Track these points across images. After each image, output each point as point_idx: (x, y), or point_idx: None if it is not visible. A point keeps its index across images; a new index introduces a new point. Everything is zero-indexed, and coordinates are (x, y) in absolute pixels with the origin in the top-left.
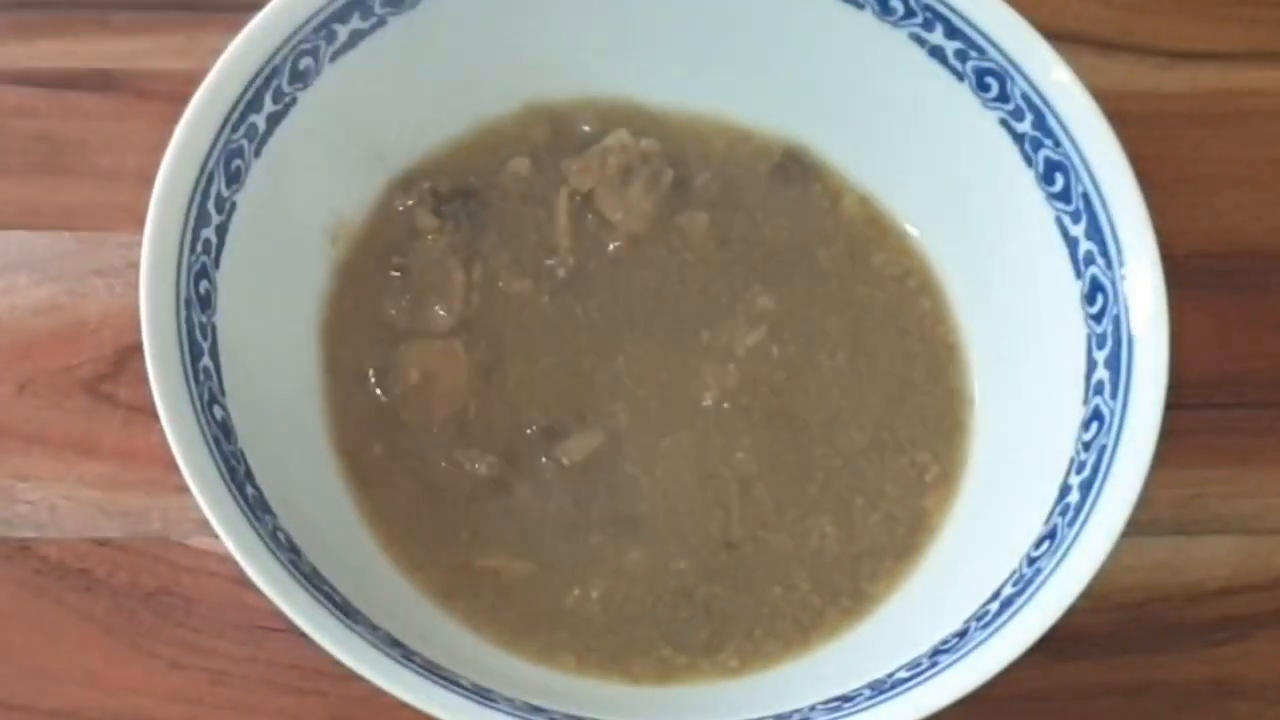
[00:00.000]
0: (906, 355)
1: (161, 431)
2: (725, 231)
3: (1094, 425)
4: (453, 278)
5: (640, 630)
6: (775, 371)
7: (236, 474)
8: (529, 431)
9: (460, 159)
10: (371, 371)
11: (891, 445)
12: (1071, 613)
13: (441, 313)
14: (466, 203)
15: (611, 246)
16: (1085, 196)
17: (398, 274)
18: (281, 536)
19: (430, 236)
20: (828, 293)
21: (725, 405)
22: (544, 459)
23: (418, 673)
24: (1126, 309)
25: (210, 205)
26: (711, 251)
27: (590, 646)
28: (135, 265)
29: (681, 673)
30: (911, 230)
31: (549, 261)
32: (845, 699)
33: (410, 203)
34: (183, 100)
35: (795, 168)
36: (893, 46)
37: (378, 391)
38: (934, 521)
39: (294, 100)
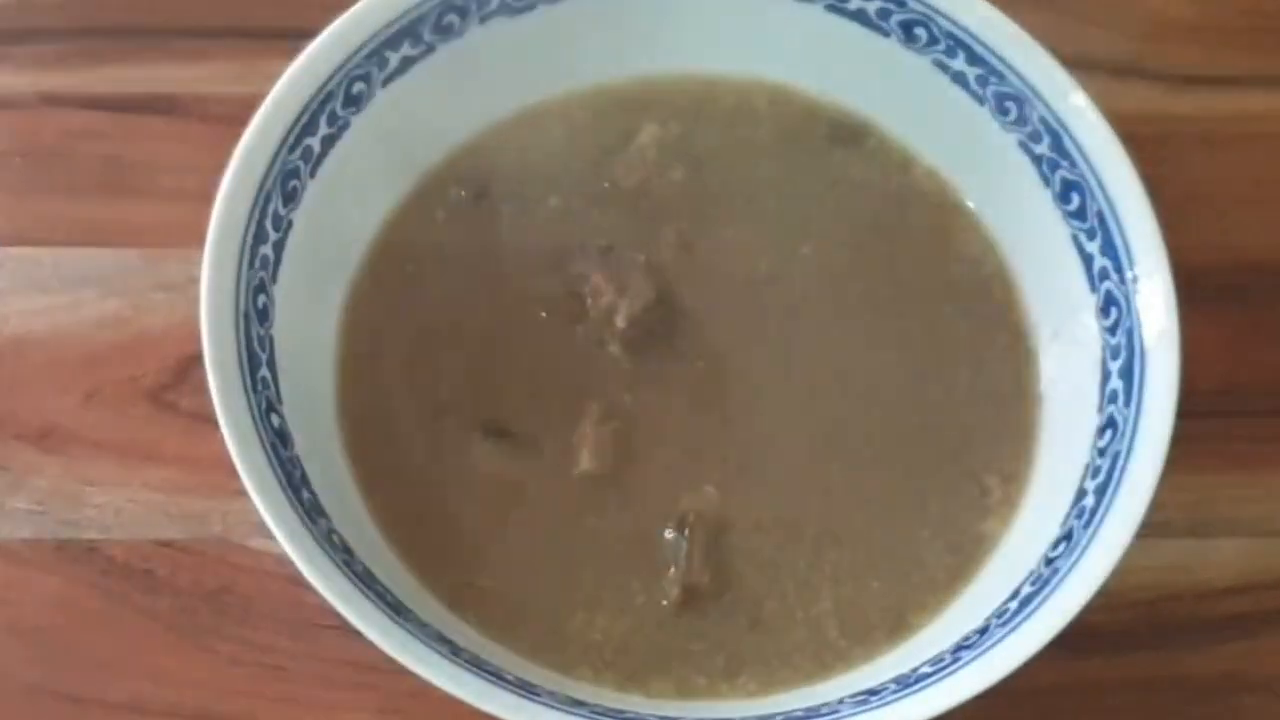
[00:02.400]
0: (982, 347)
1: (221, 439)
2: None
3: (1109, 433)
4: (466, 287)
5: (654, 655)
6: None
7: (293, 479)
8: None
9: (505, 171)
10: (378, 375)
11: (965, 469)
12: (1087, 611)
13: (445, 322)
14: (496, 210)
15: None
16: (1100, 215)
17: (415, 280)
18: (335, 539)
19: (452, 245)
20: (910, 274)
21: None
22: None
23: (465, 668)
24: (1139, 321)
25: (268, 223)
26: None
27: (607, 663)
28: (196, 280)
29: (700, 692)
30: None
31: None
32: (872, 693)
33: (442, 213)
34: (242, 123)
35: (846, 134)
36: (918, 71)
37: (382, 395)
38: (991, 544)
39: (347, 123)
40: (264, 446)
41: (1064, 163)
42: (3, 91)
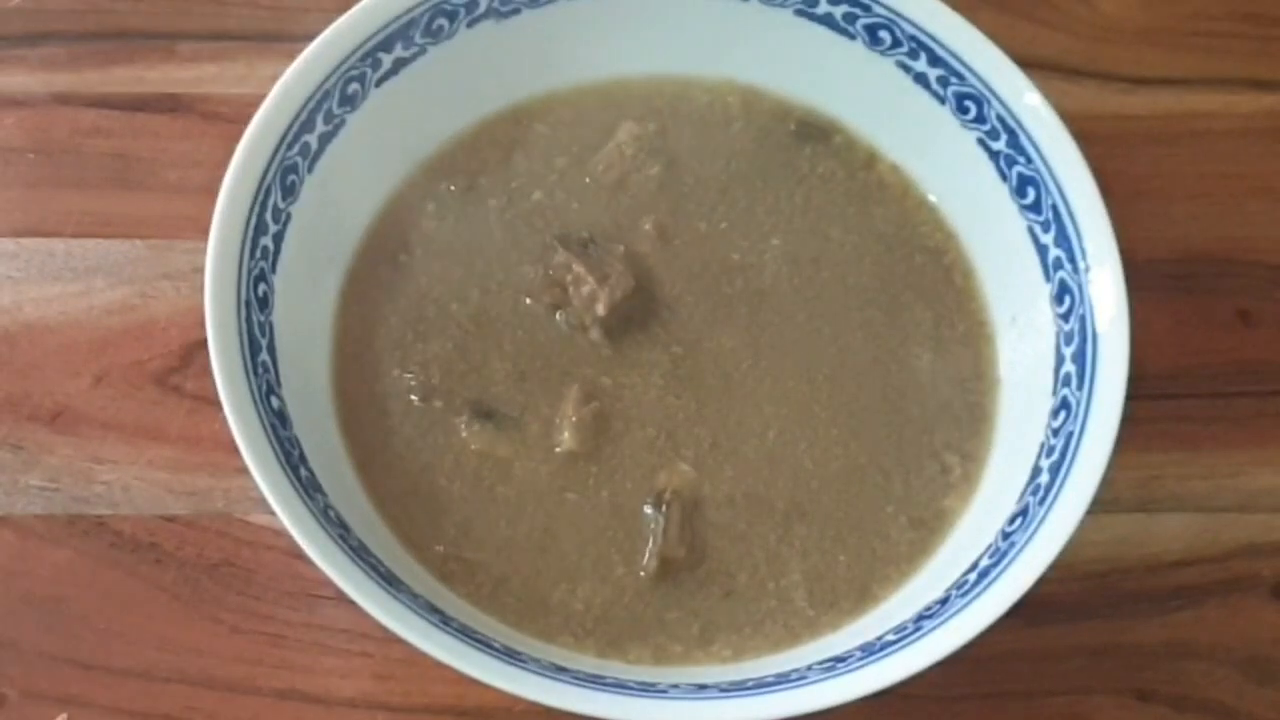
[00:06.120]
0: (943, 332)
1: (224, 419)
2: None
3: (1062, 414)
4: (454, 275)
5: (632, 624)
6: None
7: (291, 457)
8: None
9: (492, 167)
10: (372, 359)
11: (926, 448)
12: (1042, 582)
13: (435, 309)
14: (483, 203)
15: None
16: (1054, 208)
17: (407, 269)
18: (332, 514)
19: (441, 236)
20: (875, 264)
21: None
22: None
23: (454, 635)
24: (1091, 309)
25: (268, 215)
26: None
27: (588, 631)
28: (201, 270)
29: (676, 659)
30: (937, 204)
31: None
32: (839, 660)
33: (432, 206)
34: (244, 122)
35: (814, 131)
36: (882, 72)
37: (376, 377)
38: (952, 519)
39: (343, 121)
40: (264, 427)
41: (1020, 159)
42: (17, 91)
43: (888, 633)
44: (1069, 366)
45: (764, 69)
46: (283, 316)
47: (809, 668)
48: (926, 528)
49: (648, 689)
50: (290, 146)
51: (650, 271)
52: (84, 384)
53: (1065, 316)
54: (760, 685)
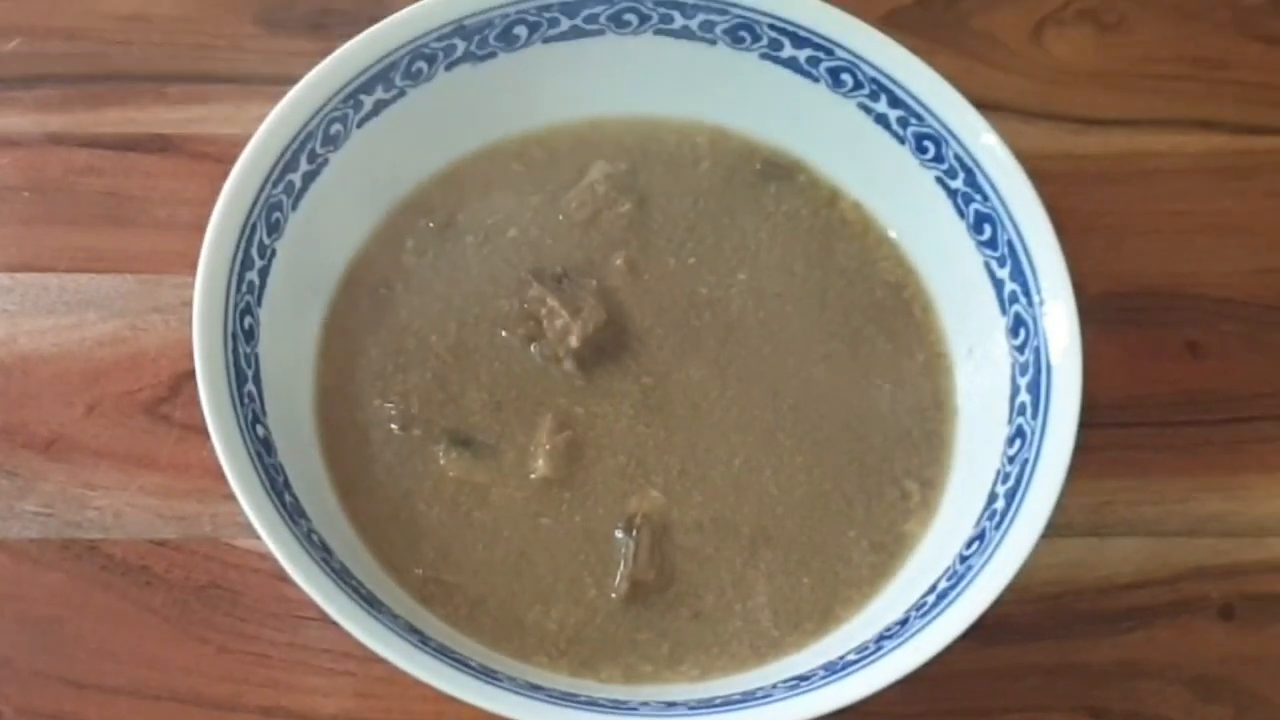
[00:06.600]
0: (903, 363)
1: (211, 447)
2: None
3: (1017, 442)
4: (433, 308)
5: (604, 644)
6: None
7: (276, 484)
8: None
9: (469, 204)
10: (353, 389)
11: (887, 475)
12: (998, 604)
13: (414, 340)
14: (460, 239)
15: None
16: (1010, 244)
17: (387, 302)
18: (315, 538)
19: (420, 271)
20: (837, 297)
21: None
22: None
23: (433, 655)
24: (1045, 341)
25: (254, 251)
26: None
27: (561, 651)
28: (189, 304)
29: (646, 678)
30: (897, 240)
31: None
32: (802, 678)
33: (411, 242)
34: (231, 161)
35: (779, 170)
36: (844, 113)
37: (357, 407)
38: (911, 543)
39: (326, 160)
40: (250, 454)
41: (977, 196)
42: (12, 132)
43: (849, 652)
44: (1024, 396)
45: (731, 110)
46: (268, 348)
47: (774, 686)
48: (887, 551)
49: (619, 706)
50: (275, 185)
51: (621, 305)
52: (77, 413)
53: (1020, 348)
54: (727, 703)
